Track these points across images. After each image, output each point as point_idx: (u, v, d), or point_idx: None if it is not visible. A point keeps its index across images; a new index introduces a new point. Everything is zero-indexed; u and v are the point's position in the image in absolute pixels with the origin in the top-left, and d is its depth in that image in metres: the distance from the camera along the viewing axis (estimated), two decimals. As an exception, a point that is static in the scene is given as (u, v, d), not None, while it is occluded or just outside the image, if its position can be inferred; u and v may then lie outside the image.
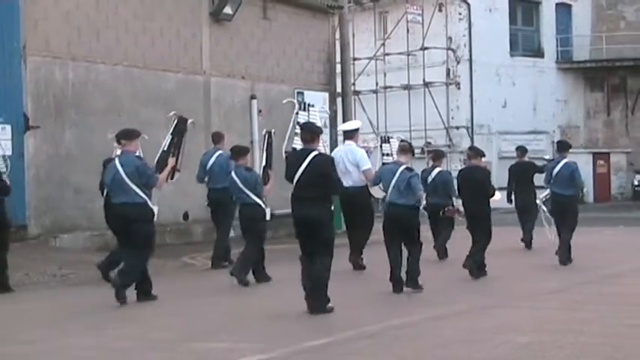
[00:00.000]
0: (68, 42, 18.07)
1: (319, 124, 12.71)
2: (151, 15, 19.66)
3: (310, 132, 10.41)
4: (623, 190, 39.39)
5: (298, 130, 12.66)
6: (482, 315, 9.98)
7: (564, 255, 14.49)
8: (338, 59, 25.21)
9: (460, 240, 16.17)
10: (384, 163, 13.69)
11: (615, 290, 11.93)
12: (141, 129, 18.88)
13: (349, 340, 8.43)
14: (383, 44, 37.94)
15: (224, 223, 15.25)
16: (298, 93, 23.20)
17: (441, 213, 13.57)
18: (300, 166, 10.01)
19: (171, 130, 13.21)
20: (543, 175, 16.02)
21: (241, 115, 21.72)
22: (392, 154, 13.88)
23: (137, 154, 11.44)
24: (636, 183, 38.40)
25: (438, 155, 16.19)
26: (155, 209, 11.35)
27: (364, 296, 11.78)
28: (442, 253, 15.64)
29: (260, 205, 12.98)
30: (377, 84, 37.81)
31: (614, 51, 39.56)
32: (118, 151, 12.53)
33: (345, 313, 10.16)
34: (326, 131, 23.50)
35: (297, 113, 13.85)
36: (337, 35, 25.35)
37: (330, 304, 10.11)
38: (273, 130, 14.21)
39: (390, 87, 37.42)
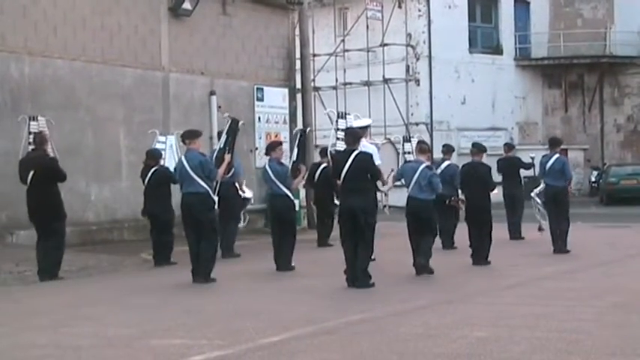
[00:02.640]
0: (25, 37, 17.91)
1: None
2: (109, 10, 19.52)
3: (352, 136, 12.20)
4: (580, 187, 39.80)
5: (340, 135, 14.03)
6: (441, 310, 10.02)
7: (562, 244, 15.95)
8: (298, 55, 25.18)
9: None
10: (406, 161, 14.78)
11: (571, 285, 12.05)
12: (98, 124, 18.98)
13: (308, 336, 8.43)
14: (343, 40, 37.97)
15: (233, 215, 16.04)
16: (258, 89, 23.17)
17: (446, 202, 14.71)
18: (345, 163, 11.69)
19: (225, 130, 14.70)
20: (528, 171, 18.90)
21: (200, 111, 21.65)
22: (412, 153, 14.92)
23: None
24: (593, 179, 38.82)
25: (448, 150, 17.60)
26: (216, 199, 12.98)
27: (323, 292, 11.79)
28: (448, 243, 16.96)
29: (289, 197, 14.22)
30: (337, 80, 37.84)
31: (572, 48, 39.96)
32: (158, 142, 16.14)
33: (305, 309, 10.17)
34: (285, 127, 23.55)
35: (336, 121, 15.02)
36: (297, 31, 25.32)
37: (372, 281, 11.75)
38: (308, 129, 17.07)
39: (350, 83, 37.47)
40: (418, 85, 36.96)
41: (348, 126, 14.04)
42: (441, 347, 7.80)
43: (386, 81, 36.44)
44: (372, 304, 10.45)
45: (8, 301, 11.65)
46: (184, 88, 21.32)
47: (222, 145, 14.45)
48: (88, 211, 18.78)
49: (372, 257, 12.79)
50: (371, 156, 12.17)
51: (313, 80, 33.19)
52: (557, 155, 16.34)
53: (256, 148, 22.61)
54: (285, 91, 24.16)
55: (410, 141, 16.05)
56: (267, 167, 14.24)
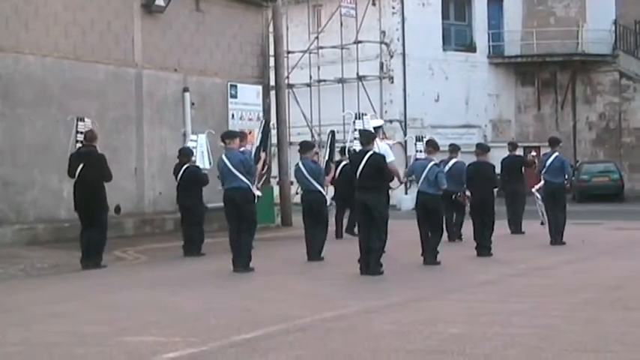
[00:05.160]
0: (-4, 32, 17.76)
1: (371, 128, 14.71)
2: (82, 6, 19.41)
3: (366, 137, 13.22)
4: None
5: (357, 135, 14.65)
6: (414, 307, 10.05)
7: (557, 236, 16.99)
8: (271, 52, 25.15)
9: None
10: (416, 159, 15.57)
11: (543, 282, 12.12)
12: (71, 121, 18.78)
13: (281, 333, 8.43)
14: (317, 38, 37.97)
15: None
16: (231, 86, 23.12)
17: (452, 197, 15.72)
18: (360, 163, 12.75)
19: (261, 131, 16.51)
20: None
21: (174, 108, 21.57)
22: (423, 151, 15.73)
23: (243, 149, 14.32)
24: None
25: (454, 149, 18.44)
26: (257, 193, 14.13)
27: (297, 289, 11.80)
28: (454, 235, 17.95)
29: (321, 192, 15.22)
30: (311, 77, 37.84)
31: (545, 46, 40.14)
32: (190, 140, 17.46)
33: (278, 306, 10.17)
34: (258, 124, 23.49)
35: (354, 122, 15.74)
36: (271, 28, 25.29)
37: (382, 269, 12.74)
38: (336, 130, 19.17)
39: (324, 80, 37.47)
40: (392, 82, 37.02)
41: (364, 127, 14.71)
42: (414, 344, 7.83)
43: (360, 78, 36.48)
44: (346, 302, 10.45)
45: (-21, 299, 11.56)
46: (157, 85, 21.24)
47: (257, 144, 15.86)
48: (61, 208, 18.62)
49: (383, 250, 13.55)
50: (384, 157, 13.06)
51: (287, 77, 33.24)
52: (556, 154, 17.38)
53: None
54: (259, 88, 24.12)
55: (422, 140, 16.70)
56: (301, 165, 15.21)
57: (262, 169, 15.58)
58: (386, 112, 36.83)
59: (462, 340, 7.93)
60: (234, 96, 23.20)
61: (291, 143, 28.23)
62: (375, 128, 15.36)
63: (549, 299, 10.44)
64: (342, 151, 19.27)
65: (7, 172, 17.66)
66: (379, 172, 12.82)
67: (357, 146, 14.31)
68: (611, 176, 35.84)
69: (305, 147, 15.68)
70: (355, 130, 15.02)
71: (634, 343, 7.78)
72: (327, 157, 17.31)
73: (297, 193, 24.51)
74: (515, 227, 19.78)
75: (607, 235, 19.83)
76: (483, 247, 15.30)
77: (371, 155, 12.83)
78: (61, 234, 18.24)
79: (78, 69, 19.27)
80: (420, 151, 16.43)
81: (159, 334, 8.53)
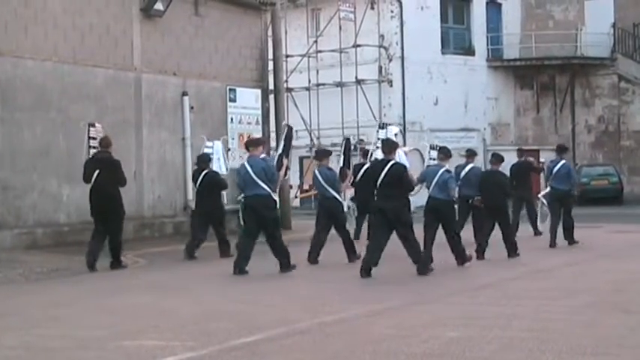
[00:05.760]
0: (-5, 37, 17.74)
1: (394, 138, 15.71)
2: (81, 10, 19.39)
3: (388, 146, 13.60)
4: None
5: (379, 144, 15.22)
6: (413, 311, 10.06)
7: (569, 238, 17.61)
8: (270, 56, 25.15)
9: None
10: (428, 166, 16.20)
11: (543, 285, 12.13)
12: (70, 125, 18.80)
13: (281, 337, 8.43)
14: (315, 41, 37.96)
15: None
16: (230, 90, 23.10)
17: (469, 201, 16.04)
18: (382, 171, 13.01)
19: (283, 137, 16.60)
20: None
21: (173, 111, 21.56)
22: (435, 158, 16.21)
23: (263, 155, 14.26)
24: (565, 179, 38.97)
25: (471, 154, 18.52)
26: (277, 198, 14.25)
27: (296, 293, 11.80)
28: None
29: (337, 199, 15.57)
30: (309, 81, 37.83)
31: (543, 49, 40.13)
32: (206, 147, 17.99)
33: (277, 310, 10.16)
34: (257, 128, 23.53)
35: (377, 131, 16.59)
36: (270, 32, 25.29)
37: (432, 265, 13.35)
38: (351, 137, 19.94)
39: (323, 84, 37.46)
40: (391, 86, 36.99)
41: (387, 137, 15.32)
42: (413, 347, 7.82)
43: (359, 82, 36.47)
44: (345, 305, 10.45)
45: (-22, 303, 11.55)
46: (156, 89, 21.21)
47: (280, 151, 16.08)
48: (60, 212, 18.63)
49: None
50: (405, 167, 13.49)
51: (286, 81, 33.21)
52: (563, 161, 17.96)
53: (229, 149, 22.53)
54: (258, 91, 24.10)
55: (435, 148, 17.33)
56: (317, 172, 15.65)
57: (284, 176, 15.97)
58: (385, 115, 36.76)
59: (462, 343, 7.93)
60: (233, 100, 23.19)
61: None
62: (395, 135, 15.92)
63: (549, 302, 10.44)
64: (365, 154, 19.34)
65: (6, 177, 17.64)
66: (399, 180, 13.05)
67: (378, 154, 14.83)
68: (610, 179, 35.82)
69: (321, 154, 16.17)
70: (378, 139, 15.70)
71: (634, 347, 7.78)
72: (342, 164, 17.49)
73: (296, 197, 24.64)
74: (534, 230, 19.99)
75: (606, 238, 19.83)
76: (510, 250, 15.61)
77: (393, 165, 13.12)
78: (61, 238, 18.23)
79: (77, 73, 19.25)
80: (433, 159, 16.88)
81: (158, 338, 8.53)
